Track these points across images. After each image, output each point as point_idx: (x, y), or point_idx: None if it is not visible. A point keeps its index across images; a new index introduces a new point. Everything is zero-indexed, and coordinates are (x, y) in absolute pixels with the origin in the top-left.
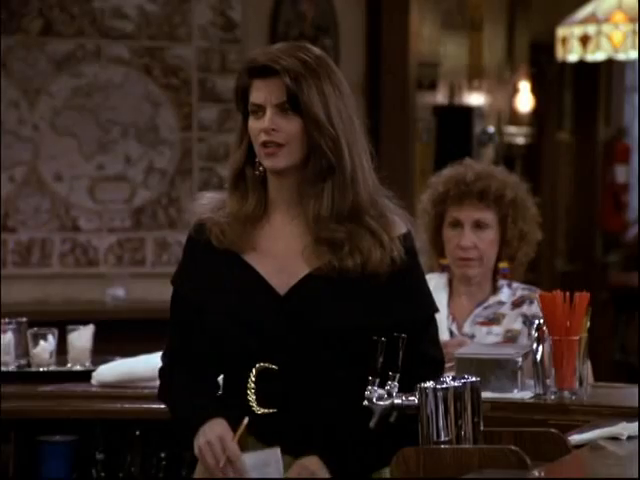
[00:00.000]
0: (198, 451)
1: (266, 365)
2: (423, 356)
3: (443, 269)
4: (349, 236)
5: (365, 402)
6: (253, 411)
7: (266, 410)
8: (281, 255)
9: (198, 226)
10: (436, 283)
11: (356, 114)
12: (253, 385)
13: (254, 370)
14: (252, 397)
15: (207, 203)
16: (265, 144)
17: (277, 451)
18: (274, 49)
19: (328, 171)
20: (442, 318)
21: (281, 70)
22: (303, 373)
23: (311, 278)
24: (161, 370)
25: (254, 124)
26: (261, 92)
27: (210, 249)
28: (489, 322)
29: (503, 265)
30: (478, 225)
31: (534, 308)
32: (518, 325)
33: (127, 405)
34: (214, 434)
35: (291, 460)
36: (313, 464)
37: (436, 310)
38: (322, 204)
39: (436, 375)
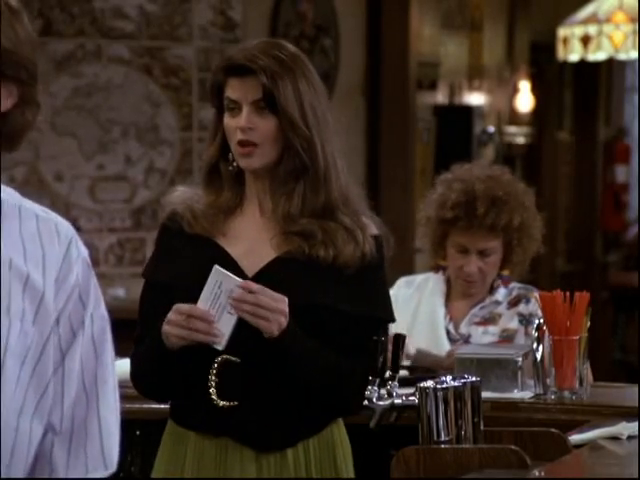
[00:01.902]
0: (166, 339)
1: (227, 357)
2: (368, 355)
3: (440, 269)
4: (322, 229)
5: (365, 402)
6: (216, 406)
7: (227, 403)
8: (249, 239)
9: (171, 214)
10: (434, 283)
11: (330, 112)
12: (215, 378)
13: (216, 363)
14: (213, 392)
15: (180, 194)
16: (241, 143)
17: (215, 267)
18: (251, 47)
19: (301, 170)
20: (439, 318)
21: (258, 69)
22: (265, 365)
23: (279, 260)
24: (131, 359)
25: (230, 121)
26: (237, 90)
27: (182, 235)
28: (485, 322)
29: (505, 273)
30: (484, 253)
31: (530, 307)
32: (514, 324)
33: (127, 405)
34: (169, 315)
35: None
36: (282, 295)
37: (391, 320)
38: (292, 203)
39: (365, 376)
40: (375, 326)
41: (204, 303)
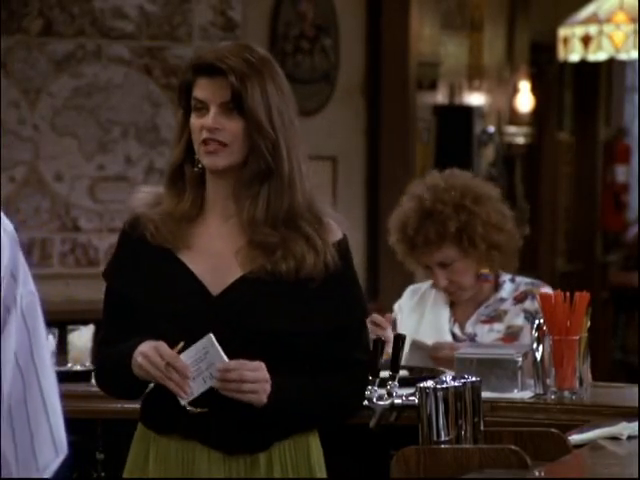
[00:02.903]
0: (138, 369)
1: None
2: (354, 361)
3: None
4: (282, 241)
5: (365, 402)
6: (185, 410)
7: (198, 409)
8: (216, 254)
9: (133, 220)
10: (438, 290)
11: (297, 117)
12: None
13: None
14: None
15: (143, 197)
16: (206, 142)
17: (210, 336)
18: (221, 48)
19: (266, 173)
20: (444, 322)
21: (227, 70)
22: None
23: (244, 280)
24: (95, 360)
25: (196, 121)
26: (206, 90)
27: (144, 245)
28: (490, 319)
29: (484, 271)
30: (443, 265)
31: (537, 303)
32: (520, 321)
33: (128, 405)
34: (147, 346)
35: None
36: (267, 372)
37: (367, 315)
38: (257, 207)
39: (363, 375)
40: (356, 330)
41: (187, 358)
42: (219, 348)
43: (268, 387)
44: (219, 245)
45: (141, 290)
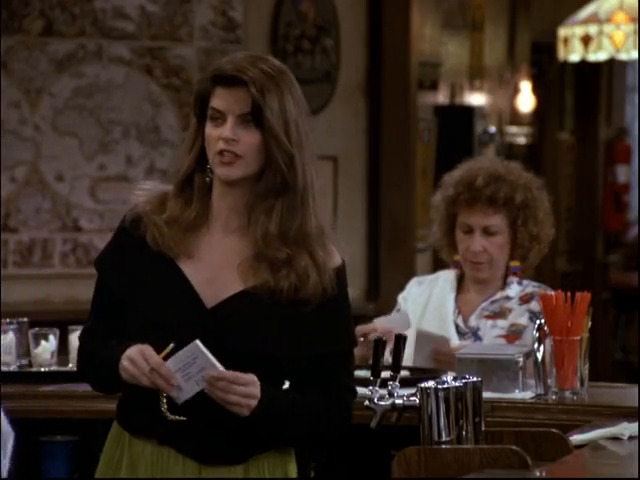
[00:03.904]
0: (124, 372)
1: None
2: (340, 386)
3: (457, 265)
4: (289, 258)
5: (366, 402)
6: (164, 417)
7: (177, 417)
8: (216, 266)
9: (135, 218)
10: (444, 280)
11: (310, 130)
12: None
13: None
14: (164, 403)
15: (147, 196)
16: (222, 152)
17: (196, 342)
18: (239, 59)
19: (281, 188)
20: (449, 312)
21: (249, 81)
22: None
23: (242, 296)
24: (79, 349)
25: (213, 131)
26: (225, 100)
27: (143, 247)
28: (495, 316)
29: (514, 264)
30: (487, 231)
31: None
32: (524, 320)
33: None
34: (134, 350)
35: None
36: (257, 388)
37: (355, 346)
38: (271, 221)
39: (350, 401)
40: (344, 357)
41: (174, 364)
42: (208, 354)
43: (253, 403)
44: (221, 256)
45: (134, 293)
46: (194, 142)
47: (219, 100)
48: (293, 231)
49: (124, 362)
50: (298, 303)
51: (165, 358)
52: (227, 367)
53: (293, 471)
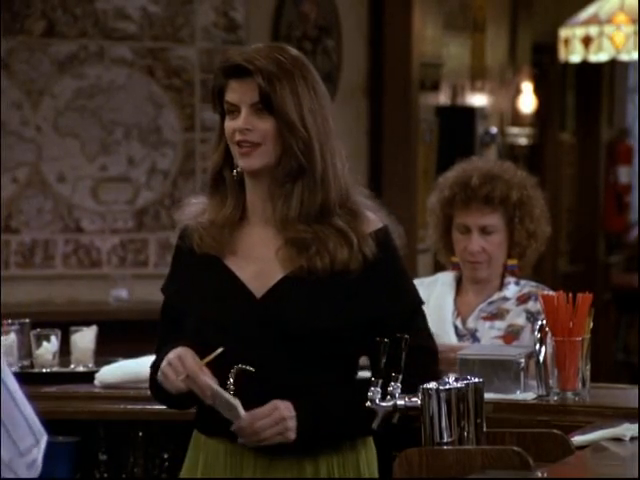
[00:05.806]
0: (162, 377)
1: (243, 367)
2: (414, 348)
3: (454, 267)
4: (315, 237)
5: (368, 403)
6: None
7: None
8: (259, 258)
9: (182, 232)
10: (443, 282)
11: (331, 115)
12: (232, 387)
13: (232, 372)
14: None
15: (192, 208)
16: (240, 144)
17: (238, 405)
18: (250, 50)
19: (298, 172)
20: (448, 314)
21: (254, 70)
22: (279, 375)
23: (285, 281)
24: (150, 379)
25: (230, 124)
26: (236, 92)
27: (192, 254)
28: (492, 317)
29: (512, 262)
30: (485, 230)
31: (539, 305)
32: (521, 321)
33: (130, 406)
34: (174, 354)
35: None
36: (286, 408)
37: (420, 302)
38: (291, 205)
39: (432, 364)
40: (406, 317)
41: (217, 397)
42: (229, 399)
43: (291, 423)
44: (261, 248)
45: (190, 300)
46: (220, 140)
47: (232, 93)
48: (314, 211)
49: (163, 365)
50: (340, 274)
51: (211, 362)
52: (288, 353)
53: (365, 465)
